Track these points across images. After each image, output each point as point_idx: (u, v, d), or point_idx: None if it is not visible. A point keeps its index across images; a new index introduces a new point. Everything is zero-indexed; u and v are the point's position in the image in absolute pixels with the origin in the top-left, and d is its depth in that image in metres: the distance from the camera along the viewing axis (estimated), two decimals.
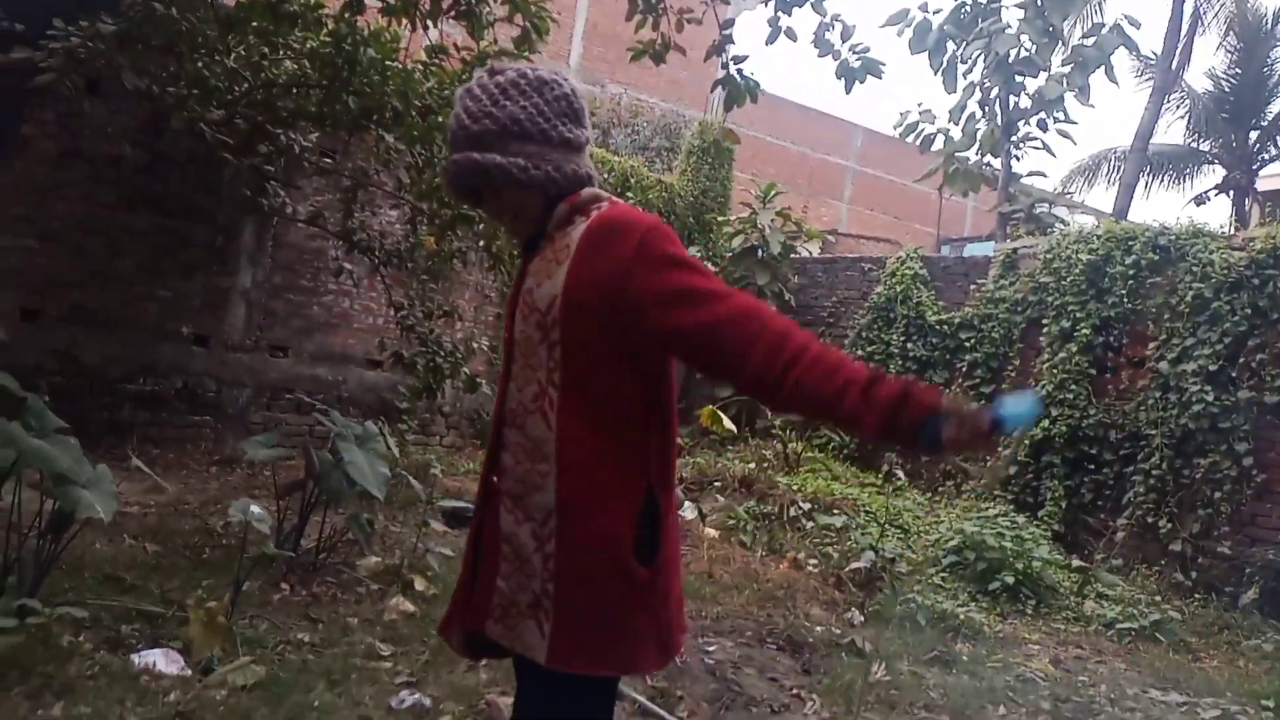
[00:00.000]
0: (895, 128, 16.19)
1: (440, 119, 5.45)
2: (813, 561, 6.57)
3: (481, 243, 6.43)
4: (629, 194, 10.52)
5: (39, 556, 3.46)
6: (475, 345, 8.21)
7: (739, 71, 5.80)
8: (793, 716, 4.01)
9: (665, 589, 1.72)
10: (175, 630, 3.60)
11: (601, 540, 1.64)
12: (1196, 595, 7.02)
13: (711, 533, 7.03)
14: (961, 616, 5.72)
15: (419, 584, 4.66)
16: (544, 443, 1.67)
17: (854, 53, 5.82)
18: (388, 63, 5.45)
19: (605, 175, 10.44)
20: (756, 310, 1.59)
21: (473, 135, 1.73)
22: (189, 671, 3.34)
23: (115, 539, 4.71)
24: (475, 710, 3.50)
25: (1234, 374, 7.30)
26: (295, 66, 5.75)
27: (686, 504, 7.53)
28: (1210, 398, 7.28)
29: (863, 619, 5.59)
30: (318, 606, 4.28)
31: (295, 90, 5.73)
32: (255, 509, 3.96)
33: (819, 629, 5.22)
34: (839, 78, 5.92)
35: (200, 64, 5.28)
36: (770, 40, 5.96)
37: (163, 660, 3.34)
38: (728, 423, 9.67)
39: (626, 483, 1.66)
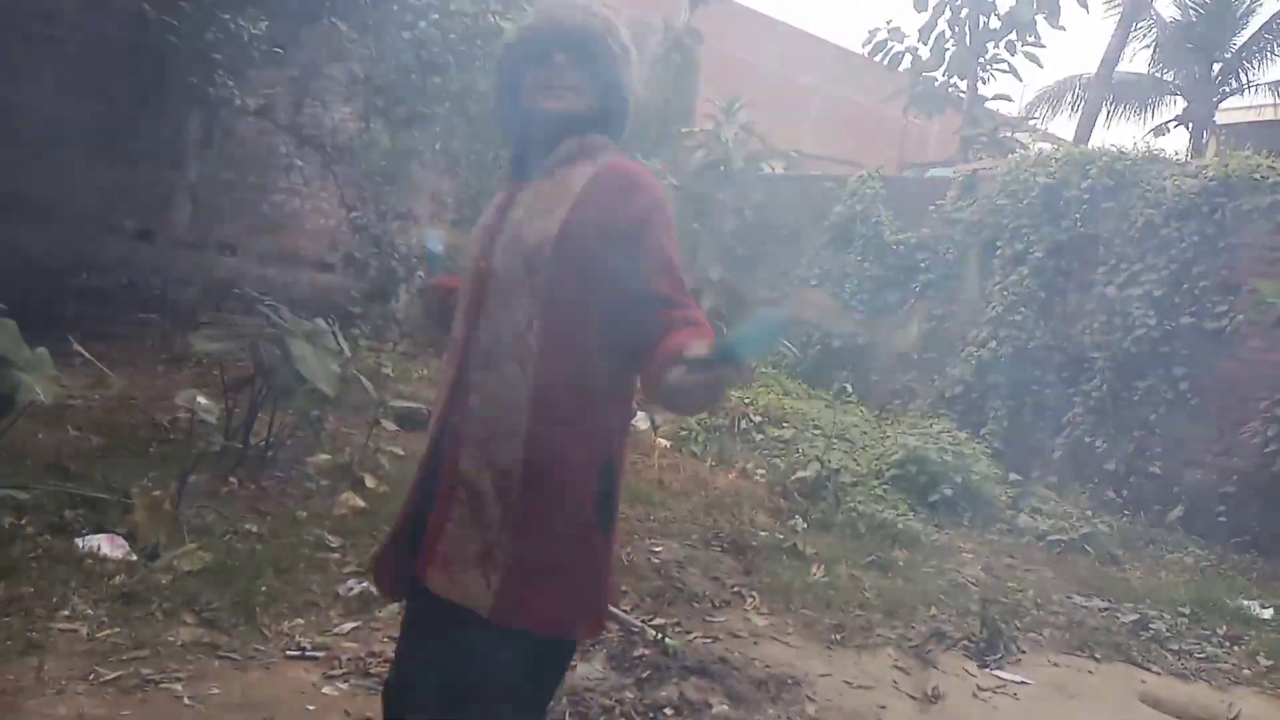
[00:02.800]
0: (864, 46, 15.98)
1: (395, 7, 5.27)
2: (760, 471, 6.70)
3: (438, 145, 6.30)
4: None
5: None
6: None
7: None
8: (732, 611, 4.15)
9: (612, 557, 1.70)
10: (120, 518, 3.59)
11: (567, 498, 1.59)
12: (1126, 512, 7.30)
13: (663, 442, 7.12)
14: (900, 526, 5.90)
15: (369, 481, 4.67)
16: (517, 390, 1.59)
17: None
18: None
19: None
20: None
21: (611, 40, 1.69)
22: (134, 557, 3.35)
23: (58, 430, 4.65)
24: None
25: (1177, 300, 7.47)
26: None
27: (639, 414, 7.60)
28: (1153, 322, 7.46)
29: (806, 526, 5.74)
30: (266, 500, 4.29)
31: None
32: (202, 400, 3.93)
33: (763, 534, 5.36)
34: None
35: None
36: None
37: (107, 545, 3.35)
38: None
39: (595, 442, 1.61)
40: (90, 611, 2.94)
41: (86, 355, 4.72)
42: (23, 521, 3.36)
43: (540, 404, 1.58)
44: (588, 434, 1.60)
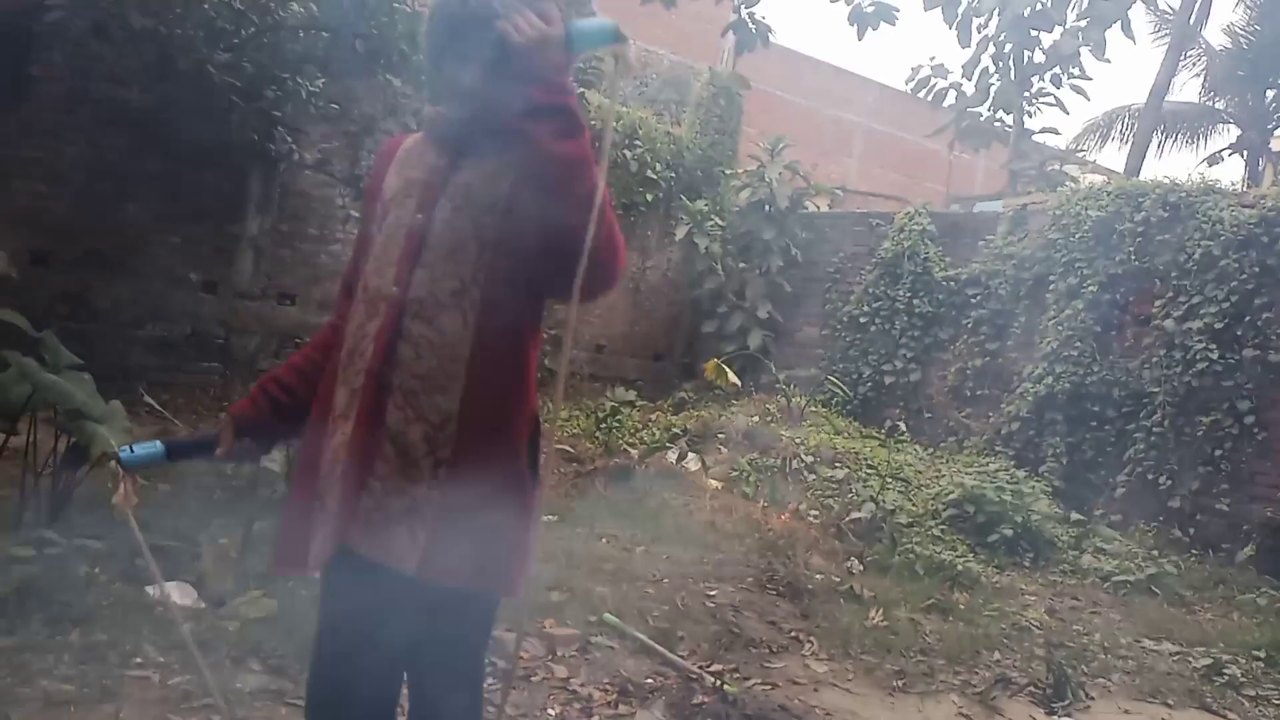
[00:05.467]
0: (907, 83, 15.97)
1: None
2: (814, 512, 6.64)
3: None
4: (637, 143, 10.43)
5: (55, 491, 3.53)
6: None
7: (750, 15, 5.75)
8: (791, 657, 4.10)
9: (538, 509, 1.71)
10: (189, 565, 3.68)
11: (503, 449, 1.60)
12: (1193, 551, 7.09)
13: (714, 483, 7.10)
14: (959, 567, 5.80)
15: None
16: (458, 343, 1.60)
17: None
18: (395, 4, 5.42)
19: (614, 125, 10.35)
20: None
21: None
22: (203, 604, 3.42)
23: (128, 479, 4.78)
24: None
25: (1239, 332, 7.30)
26: (302, 9, 5.72)
27: (690, 455, 7.60)
28: (1214, 356, 7.29)
29: (862, 568, 5.68)
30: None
31: (302, 33, 5.71)
32: None
33: (819, 576, 5.31)
34: (851, 23, 5.87)
35: (206, 5, 5.25)
36: None
37: (177, 593, 3.42)
38: (732, 377, 9.71)
39: (525, 398, 1.65)
40: (161, 659, 3.01)
41: (154, 405, 4.88)
42: (96, 570, 3.46)
43: (481, 355, 1.59)
44: (522, 383, 1.64)
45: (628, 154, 10.03)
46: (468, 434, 1.58)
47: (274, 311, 7.98)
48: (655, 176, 10.48)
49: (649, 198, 10.51)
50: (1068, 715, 3.92)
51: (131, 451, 1.86)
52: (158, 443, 1.90)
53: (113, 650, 3.01)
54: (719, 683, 3.58)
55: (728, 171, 11.69)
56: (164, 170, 7.17)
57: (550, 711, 3.19)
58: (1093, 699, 4.12)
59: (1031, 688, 4.12)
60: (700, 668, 3.76)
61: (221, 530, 3.98)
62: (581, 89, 7.93)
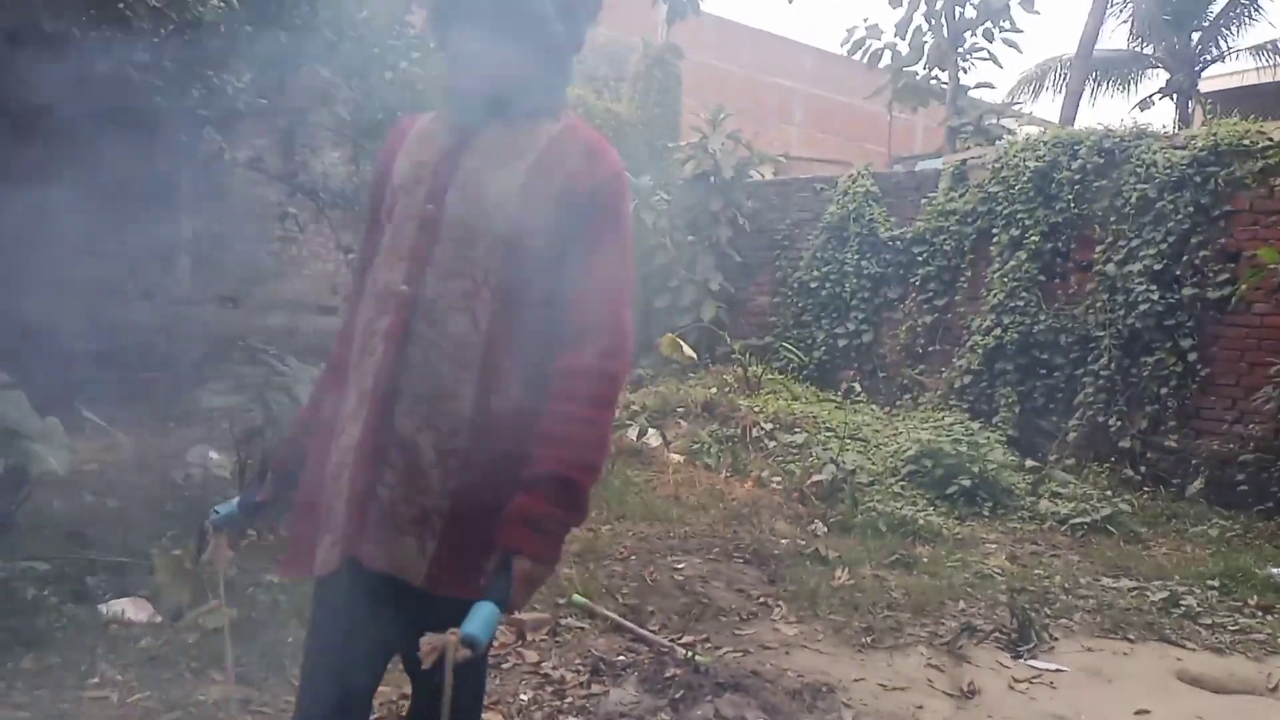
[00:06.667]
0: (842, 45, 16.03)
1: (376, 49, 5.31)
2: (776, 479, 6.69)
3: None
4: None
5: None
6: None
7: None
8: (761, 623, 4.13)
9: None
10: (142, 580, 3.60)
11: (514, 461, 1.50)
12: (1145, 489, 7.26)
13: (676, 457, 7.12)
14: (921, 521, 5.88)
15: None
16: (468, 346, 1.52)
17: None
18: None
19: None
20: (621, 335, 1.55)
21: None
22: (159, 618, 3.35)
23: (73, 496, 4.66)
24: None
25: (1178, 272, 7.45)
26: (221, 3, 5.55)
27: (651, 431, 7.60)
28: (1155, 296, 7.44)
29: (826, 530, 5.73)
30: (285, 550, 4.28)
31: (223, 27, 5.53)
32: (214, 454, 3.94)
33: (784, 541, 5.35)
34: None
35: (121, 4, 5.07)
36: None
37: (131, 609, 3.35)
38: (688, 350, 9.72)
39: (536, 404, 1.53)
40: (119, 677, 2.94)
41: (96, 420, 4.75)
42: (45, 592, 3.36)
43: (492, 361, 1.52)
44: (532, 396, 1.53)
45: None
46: (479, 444, 1.51)
47: (215, 315, 7.80)
48: None
49: None
50: (1033, 657, 4.00)
51: (218, 514, 1.84)
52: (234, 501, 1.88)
53: (68, 672, 2.93)
54: (690, 654, 3.59)
55: (670, 145, 11.65)
56: (87, 179, 6.94)
57: (523, 697, 3.17)
58: (1056, 639, 4.20)
59: (997, 634, 4.19)
60: (671, 640, 3.77)
61: (174, 543, 3.89)
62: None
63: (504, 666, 3.40)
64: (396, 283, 1.56)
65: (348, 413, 1.58)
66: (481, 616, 1.40)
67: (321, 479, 1.60)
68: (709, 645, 3.81)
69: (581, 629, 3.83)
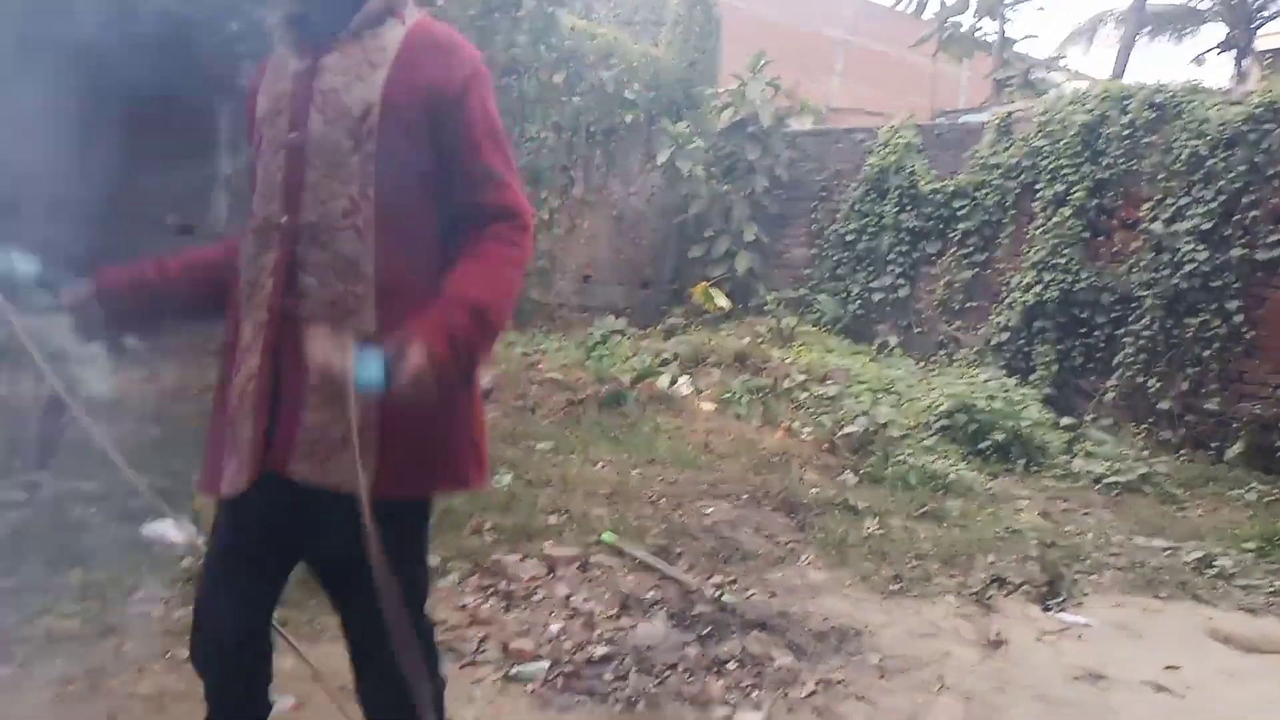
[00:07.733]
0: None
1: None
2: (807, 430, 6.67)
3: None
4: (614, 62, 10.17)
5: (42, 437, 3.50)
6: None
7: None
8: (788, 567, 4.15)
9: (477, 408, 1.70)
10: (184, 504, 3.67)
11: None
12: (1183, 452, 7.17)
13: (707, 406, 7.12)
14: (952, 475, 5.85)
15: None
16: (359, 262, 1.55)
17: None
18: None
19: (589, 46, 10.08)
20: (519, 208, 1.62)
21: None
22: (200, 539, 3.42)
23: (117, 423, 4.75)
24: (482, 569, 3.61)
25: (1227, 232, 7.27)
26: None
27: (682, 379, 7.60)
28: (1203, 257, 7.27)
29: (856, 481, 5.72)
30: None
31: None
32: None
33: (813, 491, 5.34)
34: None
35: None
36: None
37: (173, 530, 3.42)
38: (721, 300, 9.68)
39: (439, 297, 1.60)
40: (163, 594, 3.02)
41: (138, 348, 4.82)
42: (92, 511, 3.45)
43: (386, 272, 1.56)
44: (437, 287, 1.56)
45: (605, 75, 9.79)
46: None
47: None
48: (634, 97, 10.25)
49: (628, 119, 10.29)
50: (1062, 610, 3.99)
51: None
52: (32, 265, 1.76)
53: (113, 587, 3.01)
54: (718, 593, 3.62)
55: (708, 91, 11.46)
56: (128, 113, 6.97)
57: (553, 628, 3.22)
58: (1086, 594, 4.19)
59: (1027, 586, 4.18)
60: (699, 580, 3.80)
61: None
62: (552, 8, 7.71)
63: (534, 599, 3.45)
64: (276, 214, 1.59)
65: (242, 345, 1.63)
66: (366, 366, 1.43)
67: (224, 407, 1.66)
68: (736, 586, 3.84)
69: (610, 567, 3.87)
